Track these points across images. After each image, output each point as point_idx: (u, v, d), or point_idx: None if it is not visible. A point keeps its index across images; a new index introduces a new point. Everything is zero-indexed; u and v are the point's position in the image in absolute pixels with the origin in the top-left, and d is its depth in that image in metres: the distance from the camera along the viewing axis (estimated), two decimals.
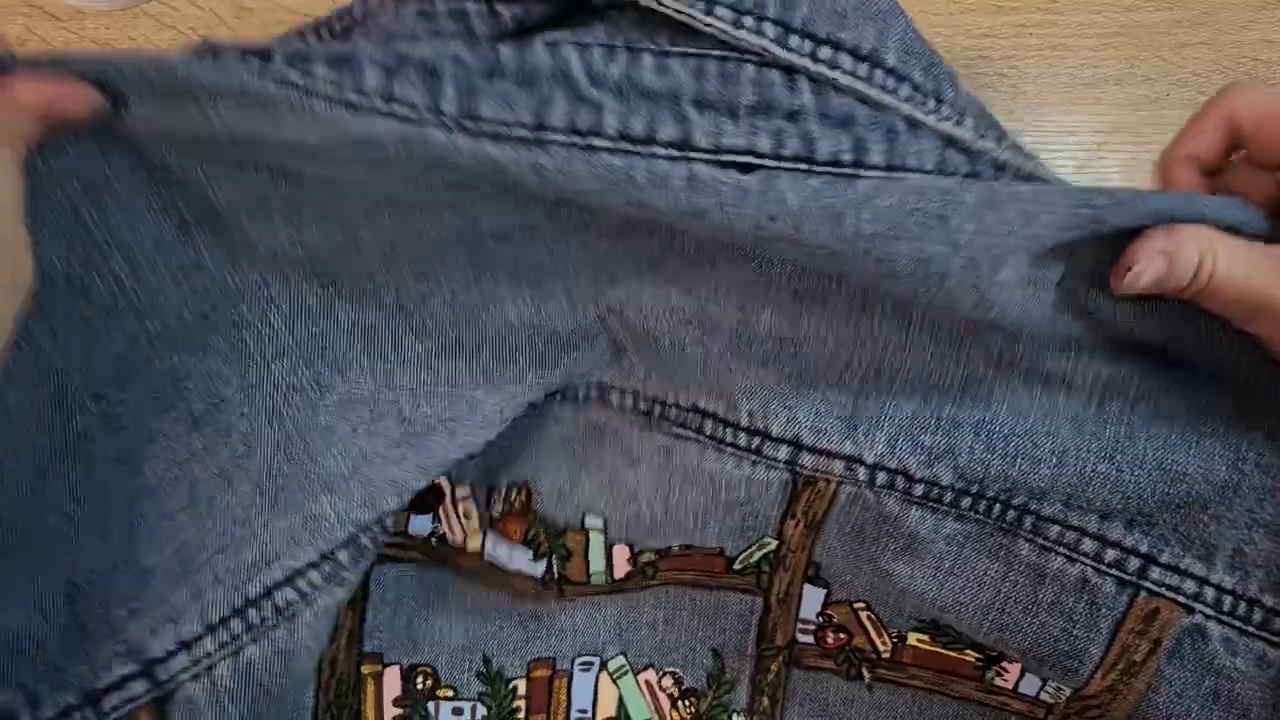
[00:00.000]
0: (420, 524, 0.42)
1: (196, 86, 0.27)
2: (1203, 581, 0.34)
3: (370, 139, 0.28)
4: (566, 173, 0.28)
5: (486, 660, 0.43)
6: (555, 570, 0.42)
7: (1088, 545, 0.35)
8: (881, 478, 0.37)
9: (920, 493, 0.36)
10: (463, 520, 0.42)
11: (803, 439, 0.37)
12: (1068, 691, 0.39)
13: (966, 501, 0.36)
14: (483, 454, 0.40)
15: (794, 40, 0.29)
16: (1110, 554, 0.35)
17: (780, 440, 0.37)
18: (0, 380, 0.29)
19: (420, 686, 0.43)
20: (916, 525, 0.37)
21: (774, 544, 0.41)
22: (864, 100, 0.30)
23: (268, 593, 0.35)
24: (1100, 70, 0.49)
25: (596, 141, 0.28)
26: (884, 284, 0.32)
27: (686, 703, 0.44)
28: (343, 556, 0.37)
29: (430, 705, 0.42)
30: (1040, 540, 0.36)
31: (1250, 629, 0.34)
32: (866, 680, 0.42)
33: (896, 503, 0.37)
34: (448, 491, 0.42)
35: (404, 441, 0.37)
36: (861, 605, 0.41)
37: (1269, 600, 0.33)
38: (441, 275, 0.36)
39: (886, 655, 0.42)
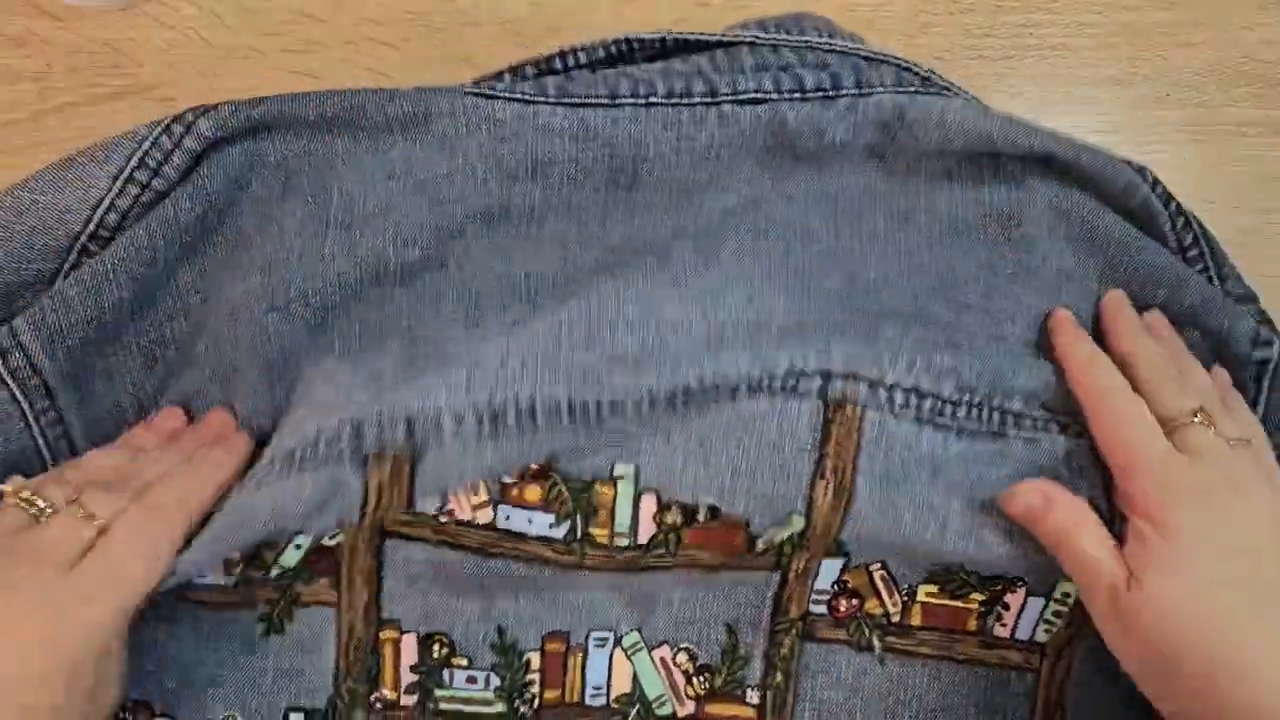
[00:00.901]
0: (427, 502, 0.41)
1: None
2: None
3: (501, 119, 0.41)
4: (634, 121, 0.41)
5: (500, 631, 0.43)
6: (579, 529, 0.41)
7: (1053, 425, 0.42)
8: (899, 397, 0.41)
9: (929, 408, 0.41)
10: (470, 495, 0.41)
11: (834, 368, 0.41)
12: (1061, 624, 0.43)
13: (962, 412, 0.42)
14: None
15: (772, 31, 0.44)
16: (1075, 426, 0.41)
17: (814, 374, 0.41)
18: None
19: (436, 654, 0.43)
20: (932, 448, 0.41)
21: (802, 524, 0.41)
22: (831, 51, 0.43)
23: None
24: (1100, 70, 0.49)
25: (654, 99, 0.41)
26: (869, 203, 0.42)
27: (701, 678, 0.44)
28: None
29: (445, 673, 0.43)
30: (1025, 434, 0.42)
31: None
32: (878, 651, 0.44)
33: (911, 424, 0.41)
34: None
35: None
36: (877, 565, 0.43)
37: None
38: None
39: (896, 618, 0.44)
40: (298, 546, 0.42)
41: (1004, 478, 0.41)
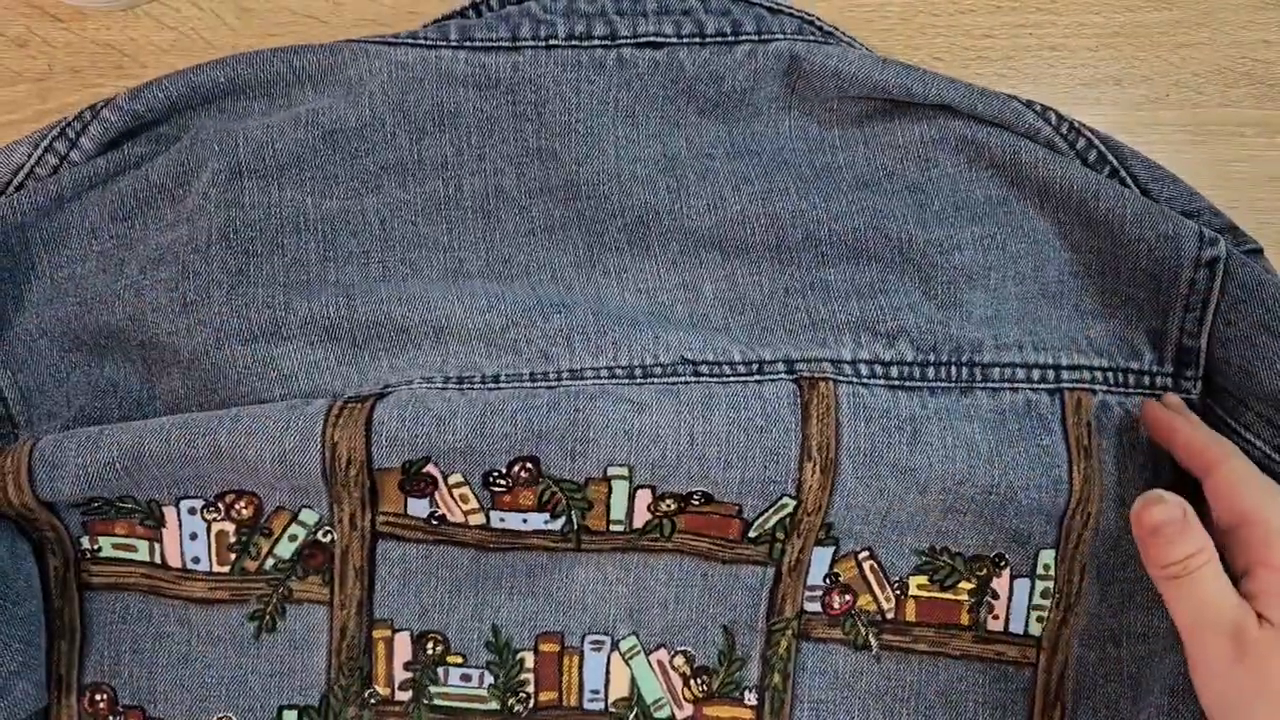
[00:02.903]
0: (416, 507, 0.42)
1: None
2: (1090, 369, 0.44)
3: (404, 62, 0.43)
4: (534, 64, 0.43)
5: (495, 630, 0.44)
6: (575, 521, 0.42)
7: (1020, 373, 0.43)
8: (864, 370, 0.43)
9: (896, 374, 0.43)
10: (460, 504, 0.42)
11: (791, 354, 0.43)
12: (1050, 606, 0.43)
13: (930, 372, 0.43)
14: (466, 444, 0.41)
15: None
16: (1035, 372, 0.43)
17: (774, 361, 0.43)
18: None
19: (430, 651, 0.43)
20: (909, 408, 0.43)
21: (792, 504, 0.42)
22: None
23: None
24: (1099, 70, 0.49)
25: (553, 42, 0.43)
26: (783, 180, 0.43)
27: (699, 681, 0.44)
28: None
29: (440, 670, 0.43)
30: (991, 385, 0.43)
31: (1126, 389, 0.44)
32: (874, 650, 0.44)
33: (885, 390, 0.43)
34: (439, 478, 0.42)
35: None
36: (865, 553, 0.44)
37: (1136, 364, 0.44)
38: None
39: (891, 613, 0.44)
40: (292, 538, 0.42)
41: (974, 432, 0.43)
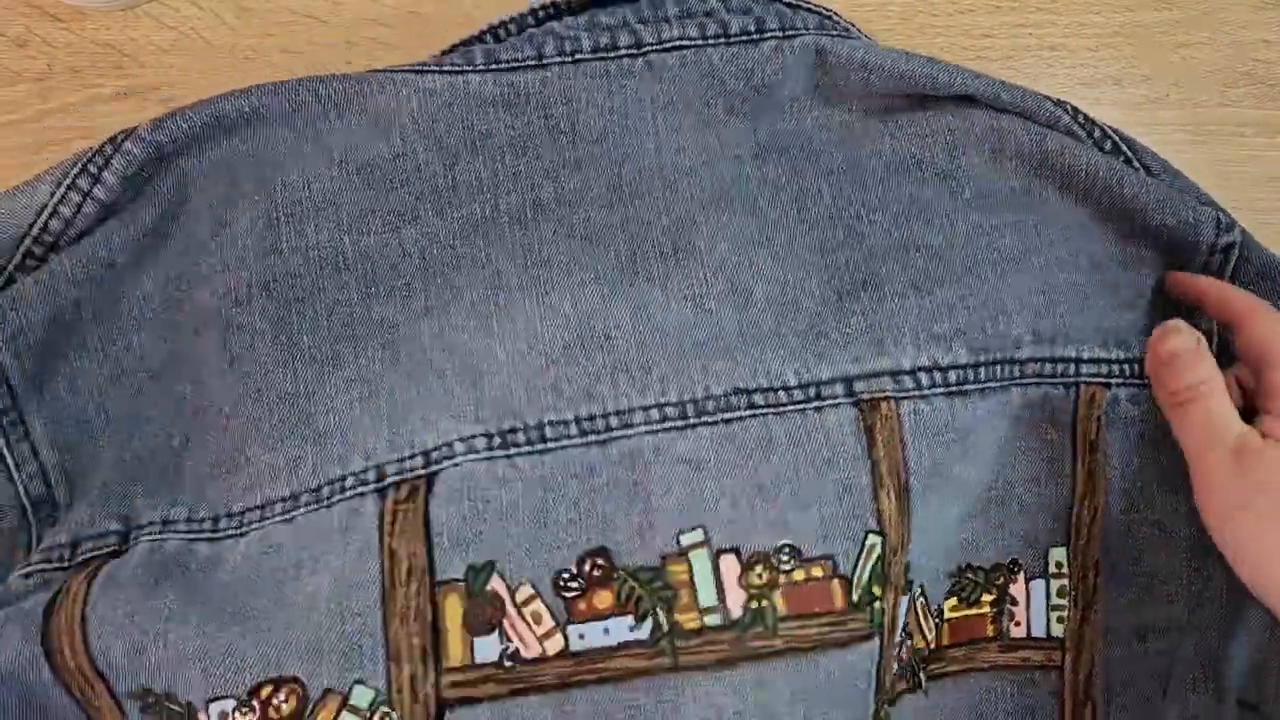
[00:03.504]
0: (485, 647, 0.37)
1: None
2: (1109, 361, 0.42)
3: (432, 89, 0.42)
4: (563, 78, 0.42)
5: None
6: (664, 622, 0.38)
7: (1047, 368, 0.42)
8: (924, 379, 0.41)
9: (955, 379, 0.41)
10: (533, 626, 0.38)
11: (849, 371, 0.40)
12: (1068, 605, 0.43)
13: (983, 373, 0.41)
14: (531, 536, 0.38)
15: None
16: (1057, 366, 0.42)
17: (833, 380, 0.40)
18: None
19: None
20: (962, 416, 0.41)
21: (879, 543, 0.39)
22: None
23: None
24: (1099, 70, 0.49)
25: (580, 56, 0.42)
26: (814, 176, 0.42)
27: None
28: None
29: None
30: (1023, 381, 0.42)
31: (1136, 382, 0.43)
32: (924, 685, 0.43)
33: (943, 400, 0.41)
34: (506, 597, 0.38)
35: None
36: (919, 590, 0.42)
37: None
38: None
39: (932, 643, 0.43)
40: None
41: (1002, 430, 0.42)
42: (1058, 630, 0.43)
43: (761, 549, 0.38)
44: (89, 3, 0.46)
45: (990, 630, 0.43)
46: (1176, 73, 0.49)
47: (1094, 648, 0.43)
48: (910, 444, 0.40)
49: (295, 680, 0.36)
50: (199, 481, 0.39)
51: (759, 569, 0.38)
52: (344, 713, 0.36)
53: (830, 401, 0.40)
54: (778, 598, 0.38)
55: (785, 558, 0.38)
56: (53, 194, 0.40)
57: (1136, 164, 0.43)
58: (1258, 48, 0.49)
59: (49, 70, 0.47)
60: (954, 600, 0.43)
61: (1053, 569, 0.43)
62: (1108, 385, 0.43)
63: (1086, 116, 0.43)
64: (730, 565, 0.38)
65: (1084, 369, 0.43)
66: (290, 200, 0.41)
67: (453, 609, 0.37)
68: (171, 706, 0.37)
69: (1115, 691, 0.43)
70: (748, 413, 0.39)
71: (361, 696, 0.36)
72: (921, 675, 0.42)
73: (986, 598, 0.43)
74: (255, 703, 0.36)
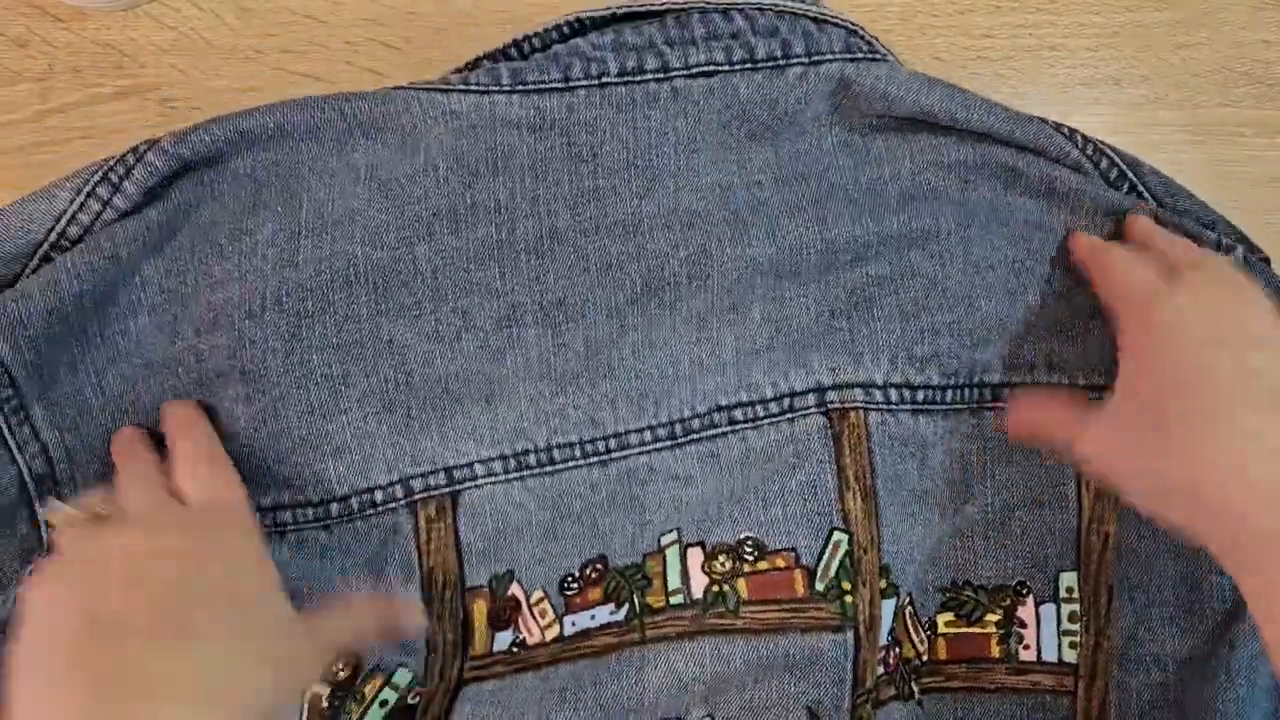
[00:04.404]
0: (503, 639, 0.43)
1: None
2: (1100, 387, 0.43)
3: (458, 111, 0.42)
4: (589, 105, 0.42)
5: None
6: (636, 605, 0.43)
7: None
8: (894, 394, 0.43)
9: (922, 399, 0.43)
10: (539, 620, 0.43)
11: (823, 381, 0.43)
12: (1081, 630, 0.43)
13: (949, 395, 0.44)
14: (543, 548, 0.43)
15: None
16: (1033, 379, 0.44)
17: (806, 391, 0.43)
18: None
19: None
20: (923, 432, 0.43)
21: (845, 539, 0.42)
22: (781, 14, 0.43)
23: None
24: (1098, 70, 0.49)
25: (606, 79, 0.41)
26: (833, 202, 0.43)
27: None
28: None
29: None
30: (999, 405, 0.44)
31: None
32: (917, 697, 0.44)
33: (909, 415, 0.43)
34: (522, 599, 0.43)
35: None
36: (906, 598, 0.44)
37: None
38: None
39: (925, 656, 0.44)
40: (382, 703, 0.42)
41: (973, 452, 0.43)
42: (1070, 656, 0.44)
43: (726, 541, 0.43)
44: (89, 3, 0.46)
45: (997, 651, 0.44)
46: (1176, 73, 0.49)
47: (1108, 674, 0.43)
48: (877, 452, 0.43)
49: (354, 653, 0.42)
50: None
51: (722, 558, 0.43)
52: (386, 689, 0.42)
53: (802, 412, 0.43)
54: (740, 584, 0.43)
55: (749, 549, 0.43)
56: (72, 200, 0.40)
57: (1141, 188, 0.44)
58: (1258, 48, 0.49)
59: (49, 70, 0.47)
60: (949, 615, 0.44)
61: (1063, 594, 0.44)
62: None
63: (1095, 147, 0.44)
64: (696, 555, 0.43)
65: (1089, 396, 0.43)
66: (314, 214, 0.41)
67: (479, 610, 0.43)
68: None
69: (1130, 719, 0.43)
70: (728, 428, 0.43)
71: (402, 677, 0.42)
72: (914, 686, 0.43)
73: (990, 617, 0.44)
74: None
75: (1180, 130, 0.49)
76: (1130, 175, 0.44)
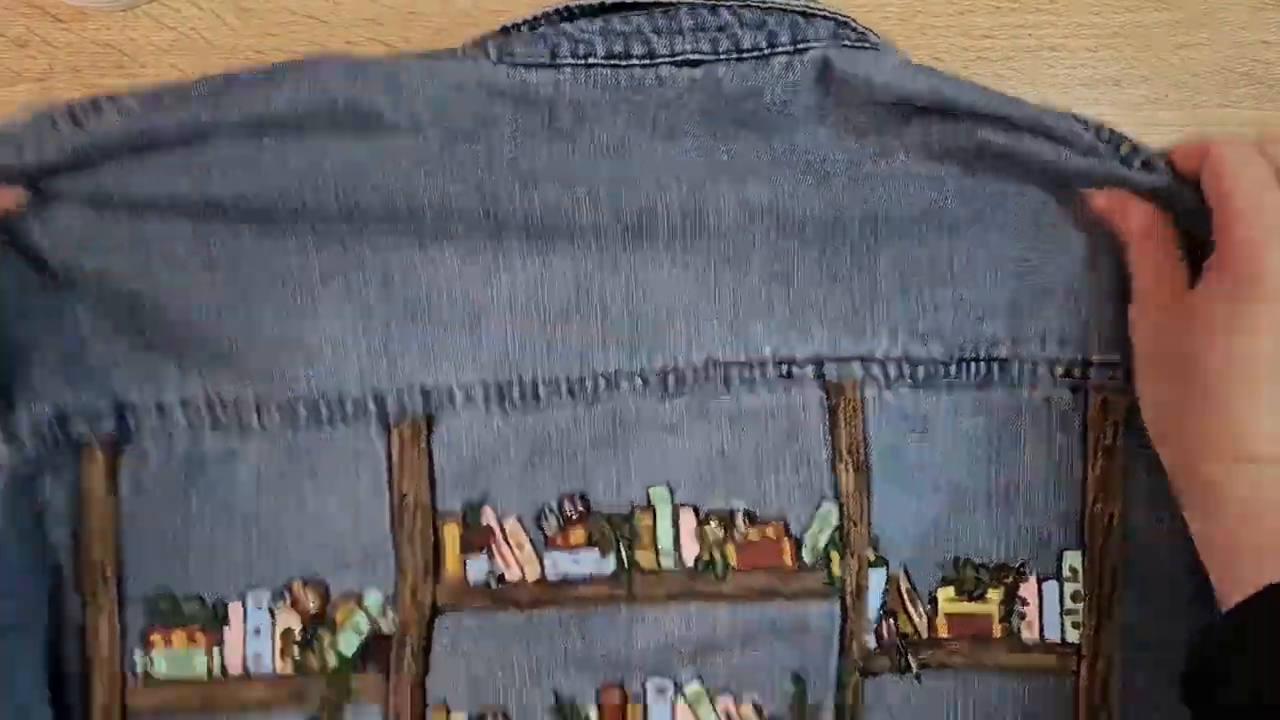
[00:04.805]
0: (477, 568, 0.43)
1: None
2: (1119, 366, 0.43)
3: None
4: (574, 84, 0.41)
5: (557, 695, 0.43)
6: (625, 559, 0.43)
7: (1041, 370, 0.43)
8: (893, 369, 0.43)
9: (923, 374, 0.43)
10: (516, 551, 0.43)
11: (823, 353, 0.43)
12: (1083, 610, 0.43)
13: (953, 369, 0.43)
14: (520, 479, 0.42)
15: None
16: (1059, 367, 0.43)
17: (805, 361, 0.43)
18: None
19: None
20: (926, 407, 0.43)
21: (835, 510, 0.42)
22: (768, 9, 0.42)
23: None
24: (1098, 71, 0.49)
25: (592, 60, 0.41)
26: (830, 183, 0.43)
27: None
28: None
29: None
30: (1008, 381, 0.43)
31: None
32: (914, 670, 0.44)
33: (908, 390, 0.43)
34: (496, 527, 0.43)
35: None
36: (901, 571, 0.44)
37: None
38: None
39: (925, 632, 0.44)
40: (357, 631, 0.42)
41: (977, 428, 0.43)
42: (1073, 636, 0.43)
43: (718, 508, 0.43)
44: (89, 3, 0.46)
45: (999, 630, 0.44)
46: (1176, 73, 0.49)
47: (1111, 656, 0.43)
48: (871, 427, 0.43)
49: (321, 581, 0.42)
50: (180, 370, 0.42)
51: (714, 524, 0.43)
52: (357, 613, 0.42)
53: (799, 381, 0.43)
54: (730, 551, 0.43)
55: (740, 519, 0.43)
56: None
57: (1165, 172, 0.42)
58: (1258, 48, 0.49)
59: (50, 70, 0.47)
60: (950, 591, 0.44)
61: (1066, 573, 0.43)
62: (1124, 391, 0.42)
63: (1110, 130, 0.42)
64: (688, 519, 0.43)
65: (1091, 373, 0.43)
66: (277, 129, 0.40)
67: (450, 535, 0.43)
68: (190, 606, 0.42)
69: (1133, 701, 0.43)
70: (722, 386, 0.43)
71: (373, 599, 0.42)
72: (911, 660, 0.43)
73: (993, 594, 0.44)
74: (288, 594, 0.42)
75: (1180, 130, 0.49)
76: (1145, 153, 0.42)
